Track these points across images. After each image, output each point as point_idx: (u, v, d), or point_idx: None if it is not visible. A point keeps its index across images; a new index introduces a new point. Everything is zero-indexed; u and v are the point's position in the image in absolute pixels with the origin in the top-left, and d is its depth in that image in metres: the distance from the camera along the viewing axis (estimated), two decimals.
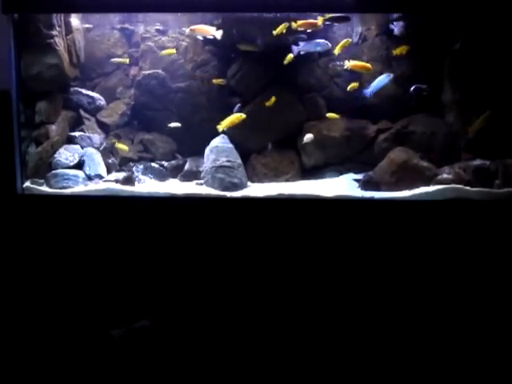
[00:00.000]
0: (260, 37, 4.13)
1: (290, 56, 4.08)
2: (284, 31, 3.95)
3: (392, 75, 4.10)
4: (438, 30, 4.09)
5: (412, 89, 4.06)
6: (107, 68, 4.69)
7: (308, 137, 4.20)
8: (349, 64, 4.10)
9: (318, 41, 4.14)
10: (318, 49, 4.19)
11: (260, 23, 4.04)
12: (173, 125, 4.35)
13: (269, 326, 3.44)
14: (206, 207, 3.77)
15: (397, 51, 4.13)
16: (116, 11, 4.23)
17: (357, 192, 3.93)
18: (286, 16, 3.96)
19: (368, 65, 4.14)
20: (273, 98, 4.15)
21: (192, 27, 4.13)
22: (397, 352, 3.24)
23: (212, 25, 4.11)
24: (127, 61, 4.49)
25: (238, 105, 4.30)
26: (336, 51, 4.15)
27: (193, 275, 3.67)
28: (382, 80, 4.10)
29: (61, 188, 3.94)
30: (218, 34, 4.07)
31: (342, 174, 4.31)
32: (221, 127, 4.11)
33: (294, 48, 4.07)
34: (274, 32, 3.96)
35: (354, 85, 4.19)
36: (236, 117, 4.11)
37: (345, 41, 4.15)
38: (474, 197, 3.70)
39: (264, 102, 4.19)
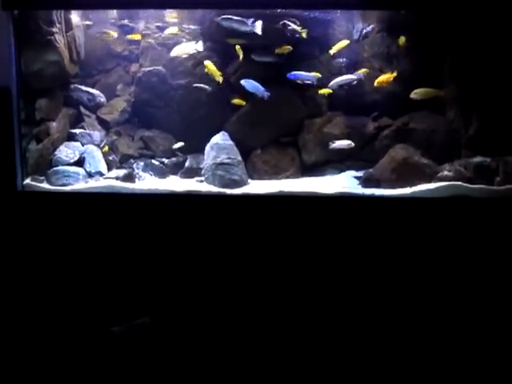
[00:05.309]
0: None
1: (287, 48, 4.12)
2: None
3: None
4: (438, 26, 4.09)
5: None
6: (107, 65, 4.69)
7: (340, 143, 4.17)
8: None
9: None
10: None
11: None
12: (177, 145, 4.40)
13: (269, 323, 3.44)
14: (207, 204, 3.77)
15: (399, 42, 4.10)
16: (116, 8, 4.23)
17: (357, 189, 3.93)
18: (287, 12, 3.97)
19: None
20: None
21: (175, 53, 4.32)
22: (396, 350, 3.24)
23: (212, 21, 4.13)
24: None
25: None
26: (332, 51, 4.16)
27: (193, 272, 3.67)
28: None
29: (61, 185, 3.94)
30: (200, 47, 4.28)
31: (342, 171, 4.31)
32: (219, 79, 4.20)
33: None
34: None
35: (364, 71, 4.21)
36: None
37: (342, 42, 4.15)
38: (474, 194, 3.70)
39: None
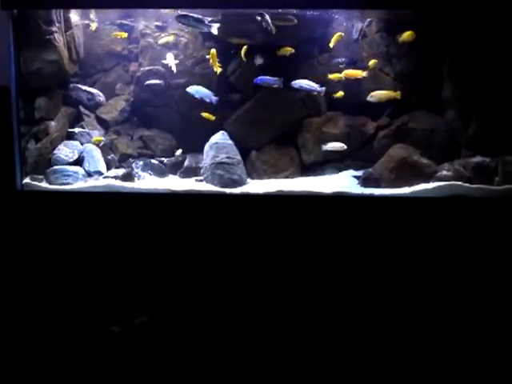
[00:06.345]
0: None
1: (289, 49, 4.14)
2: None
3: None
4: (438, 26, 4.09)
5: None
6: (107, 64, 4.69)
7: (333, 145, 4.18)
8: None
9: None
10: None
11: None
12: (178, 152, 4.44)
13: (268, 323, 3.45)
14: (206, 204, 3.77)
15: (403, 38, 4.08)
16: (116, 7, 4.21)
17: (356, 189, 3.93)
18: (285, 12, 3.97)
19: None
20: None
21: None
22: (396, 349, 3.24)
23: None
24: None
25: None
26: (331, 44, 4.16)
27: (192, 271, 3.67)
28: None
29: (60, 184, 3.94)
30: (173, 67, 4.32)
31: (341, 170, 4.31)
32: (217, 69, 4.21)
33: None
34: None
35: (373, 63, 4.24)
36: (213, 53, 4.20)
37: (338, 34, 4.15)
38: (473, 194, 3.70)
39: None
